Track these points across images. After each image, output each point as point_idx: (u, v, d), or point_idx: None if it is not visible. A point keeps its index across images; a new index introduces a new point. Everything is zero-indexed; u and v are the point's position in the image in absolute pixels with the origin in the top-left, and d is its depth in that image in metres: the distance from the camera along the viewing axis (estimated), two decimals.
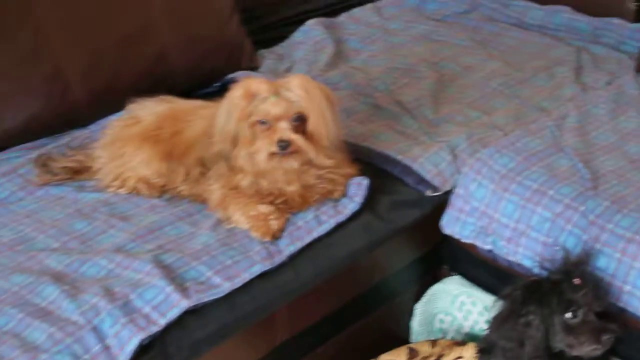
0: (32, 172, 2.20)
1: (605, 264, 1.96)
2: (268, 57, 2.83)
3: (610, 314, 1.87)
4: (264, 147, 1.92)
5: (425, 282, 2.37)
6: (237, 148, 1.96)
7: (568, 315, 1.80)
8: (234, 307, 1.83)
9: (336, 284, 2.06)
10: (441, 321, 2.39)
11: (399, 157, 2.22)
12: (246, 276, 1.85)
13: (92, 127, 2.38)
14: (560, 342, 1.81)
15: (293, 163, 1.95)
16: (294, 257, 1.94)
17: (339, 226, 2.03)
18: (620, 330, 1.80)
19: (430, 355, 2.21)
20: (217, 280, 1.81)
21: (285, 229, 1.97)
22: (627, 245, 1.94)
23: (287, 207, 2.01)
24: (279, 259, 1.90)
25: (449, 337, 2.39)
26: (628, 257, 1.93)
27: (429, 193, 2.16)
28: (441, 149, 2.25)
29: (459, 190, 2.20)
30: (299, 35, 2.97)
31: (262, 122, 1.92)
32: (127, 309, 1.72)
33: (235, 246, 1.91)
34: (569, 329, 1.81)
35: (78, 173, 2.20)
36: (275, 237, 1.94)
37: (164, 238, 1.95)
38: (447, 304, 2.35)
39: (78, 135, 2.36)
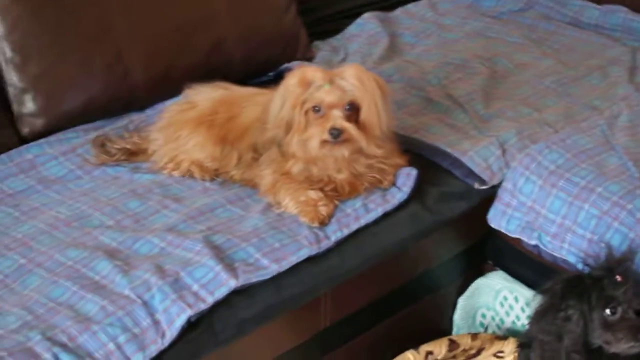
0: (89, 152, 2.27)
1: None
2: (323, 48, 2.87)
3: None
4: (317, 134, 1.96)
5: (469, 276, 2.39)
6: (289, 134, 2.00)
7: (607, 311, 1.81)
8: (281, 289, 1.87)
9: (380, 272, 2.09)
10: (483, 316, 2.41)
11: (449, 150, 2.24)
12: (293, 259, 1.89)
13: (149, 111, 2.44)
14: (598, 338, 1.82)
15: (344, 151, 1.99)
16: (340, 243, 1.98)
17: (386, 215, 2.06)
18: None
19: (470, 348, 2.24)
20: (265, 262, 1.86)
21: (333, 216, 2.01)
22: None
23: (336, 194, 2.05)
24: (325, 244, 1.94)
25: (490, 331, 2.41)
26: None
27: (477, 186, 2.18)
28: (491, 143, 2.27)
29: (506, 185, 2.21)
30: (354, 28, 3.00)
31: (316, 110, 1.96)
32: (177, 286, 1.78)
33: (284, 230, 1.95)
34: (607, 325, 1.82)
35: (134, 155, 2.27)
36: (324, 223, 1.98)
37: (215, 220, 2.00)
38: (489, 299, 2.37)
39: (135, 118, 2.42)
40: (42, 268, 1.86)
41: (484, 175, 2.19)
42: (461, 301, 2.43)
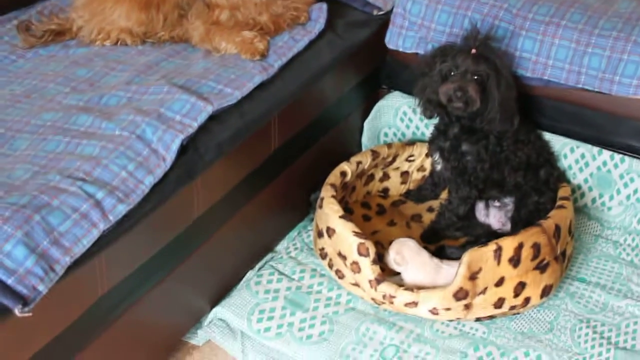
0: (15, 38, 2.38)
1: (531, 46, 2.40)
2: None
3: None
4: None
5: (369, 103, 2.75)
6: None
7: (452, 71, 2.25)
8: (243, 114, 2.13)
9: (310, 98, 2.40)
10: (385, 134, 2.79)
11: None
12: (250, 85, 2.15)
13: None
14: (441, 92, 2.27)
15: None
16: (282, 70, 2.26)
17: (311, 44, 2.36)
18: (466, 99, 2.23)
19: (388, 156, 2.61)
20: (228, 90, 2.11)
21: (269, 49, 2.27)
22: (546, 27, 2.38)
23: (265, 32, 2.32)
24: (272, 71, 2.22)
25: None
26: (548, 36, 2.37)
27: (375, 12, 2.52)
28: None
29: (397, 10, 2.57)
30: None
31: None
32: (162, 119, 1.99)
33: (232, 66, 2.21)
34: (445, 80, 2.27)
35: (60, 34, 2.40)
36: (264, 55, 2.25)
37: (164, 70, 2.21)
38: (390, 118, 2.75)
39: (47, 4, 2.53)
40: (24, 132, 1.99)
41: (378, 3, 2.53)
42: (366, 124, 2.79)
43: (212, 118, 2.06)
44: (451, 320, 2.21)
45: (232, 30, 2.26)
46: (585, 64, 2.33)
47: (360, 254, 2.21)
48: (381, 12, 2.55)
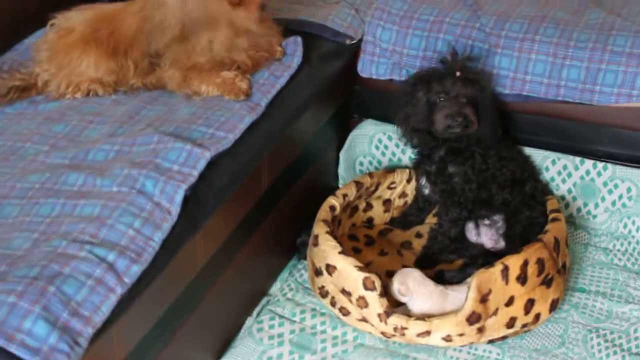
0: None
1: (508, 63, 2.41)
2: None
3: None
4: None
5: (343, 133, 2.71)
6: None
7: (440, 97, 2.23)
8: (236, 156, 2.06)
9: (294, 134, 2.34)
10: (360, 163, 2.75)
11: (312, 19, 2.52)
12: (242, 127, 2.08)
13: (14, 50, 2.43)
14: (428, 120, 2.26)
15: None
16: (268, 107, 2.19)
17: (291, 79, 2.30)
18: (466, 124, 2.23)
19: (371, 185, 2.57)
20: (221, 133, 2.03)
21: (252, 88, 2.21)
22: (521, 44, 2.39)
23: (243, 71, 2.25)
24: (260, 110, 2.16)
25: None
26: (524, 52, 2.38)
27: (348, 42, 2.49)
28: (344, 6, 2.58)
29: (367, 37, 2.55)
30: None
31: None
32: (160, 170, 1.90)
33: (218, 108, 2.13)
34: (436, 107, 2.25)
35: (25, 91, 2.28)
36: (248, 95, 2.18)
37: (147, 119, 2.12)
38: (365, 146, 2.72)
39: (4, 59, 2.40)
40: (12, 198, 1.87)
41: (350, 32, 2.50)
42: (342, 155, 2.75)
43: (208, 164, 1.97)
44: (464, 345, 2.18)
45: (210, 72, 2.19)
46: (564, 76, 2.36)
47: (366, 288, 2.15)
48: (353, 41, 2.51)
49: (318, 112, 2.45)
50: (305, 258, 2.49)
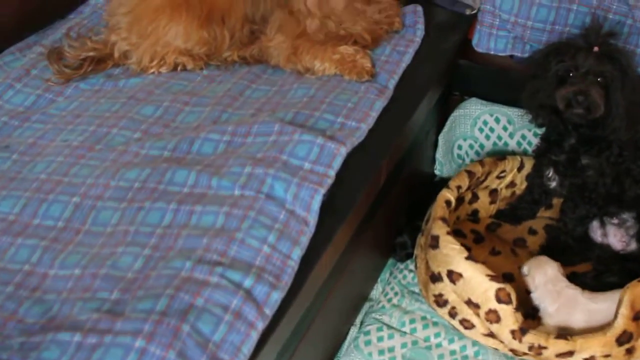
0: (45, 70, 1.89)
1: None
2: None
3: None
4: None
5: (442, 113, 2.39)
6: None
7: (571, 72, 1.90)
8: (366, 150, 1.73)
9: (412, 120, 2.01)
10: (459, 147, 2.43)
11: None
12: (374, 115, 1.74)
13: (79, 12, 2.07)
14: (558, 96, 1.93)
15: None
16: (395, 90, 1.86)
17: (414, 56, 1.97)
18: (588, 105, 1.89)
19: (482, 175, 2.26)
20: (352, 123, 1.70)
21: (375, 66, 1.87)
22: None
23: (362, 45, 1.91)
24: (389, 94, 1.82)
25: (467, 161, 2.44)
26: None
27: (468, 12, 2.15)
28: None
29: (485, 6, 2.19)
30: None
31: None
32: (290, 169, 1.56)
33: (340, 91, 1.79)
34: (562, 81, 1.92)
35: (101, 62, 1.93)
36: (372, 75, 1.84)
37: (255, 102, 1.78)
38: (466, 129, 2.39)
39: (72, 24, 2.04)
40: (108, 200, 1.54)
41: (468, 1, 2.16)
42: (441, 138, 2.43)
43: None
44: None
45: (325, 46, 1.84)
46: None
47: (500, 300, 1.86)
48: (474, 11, 2.17)
49: (433, 93, 2.12)
50: (402, 260, 2.20)
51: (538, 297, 1.96)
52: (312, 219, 1.50)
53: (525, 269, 1.98)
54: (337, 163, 1.59)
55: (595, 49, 1.91)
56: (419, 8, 2.01)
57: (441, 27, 2.10)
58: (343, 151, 1.60)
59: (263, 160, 1.57)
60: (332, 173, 1.57)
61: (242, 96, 1.79)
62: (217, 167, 1.57)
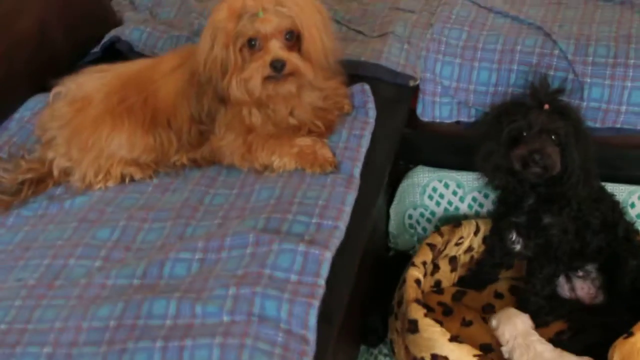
0: None
1: (600, 94, 2.08)
2: None
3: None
4: (257, 71, 1.65)
5: (392, 186, 2.33)
6: (226, 77, 1.67)
7: (524, 132, 1.88)
8: (344, 249, 1.64)
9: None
10: (409, 216, 2.39)
11: (364, 59, 2.11)
12: (347, 209, 1.65)
13: (8, 126, 1.92)
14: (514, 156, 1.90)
15: (290, 87, 1.70)
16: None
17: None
18: (545, 163, 1.87)
19: (442, 245, 2.21)
20: (329, 223, 1.60)
21: (335, 155, 1.79)
22: (613, 70, 2.08)
23: (317, 134, 1.83)
24: (356, 183, 1.73)
25: (419, 229, 2.40)
26: (618, 80, 2.07)
27: (412, 83, 2.10)
28: (393, 40, 2.18)
29: (425, 75, 2.16)
30: None
31: (252, 44, 1.66)
32: (276, 284, 1.46)
33: (307, 187, 1.70)
34: (516, 141, 1.89)
35: (40, 183, 1.78)
36: (335, 165, 1.76)
37: (219, 209, 1.67)
38: (416, 197, 2.35)
39: (1, 143, 1.88)
40: (82, 345, 1.40)
41: (409, 71, 2.11)
42: (392, 210, 2.38)
43: None
44: None
45: (280, 140, 1.75)
46: None
47: None
48: (417, 82, 2.12)
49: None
50: (374, 345, 2.12)
51: (508, 350, 1.92)
52: (312, 336, 1.41)
53: (494, 322, 1.96)
54: (325, 270, 1.49)
55: (546, 106, 1.90)
56: (367, 87, 1.95)
57: (388, 102, 2.04)
58: (328, 256, 1.51)
59: (245, 277, 1.46)
60: (322, 282, 1.48)
61: (202, 204, 1.67)
62: (198, 292, 1.45)
